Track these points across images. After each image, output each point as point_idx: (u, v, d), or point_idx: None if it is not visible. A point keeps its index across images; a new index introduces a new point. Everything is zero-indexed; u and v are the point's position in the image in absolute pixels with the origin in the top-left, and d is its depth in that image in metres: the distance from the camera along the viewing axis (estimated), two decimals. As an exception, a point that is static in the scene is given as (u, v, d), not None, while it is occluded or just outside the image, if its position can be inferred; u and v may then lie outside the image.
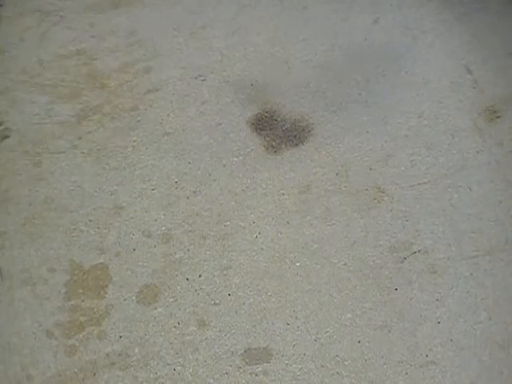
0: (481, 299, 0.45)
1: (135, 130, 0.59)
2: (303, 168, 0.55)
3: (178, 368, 0.42)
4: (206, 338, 0.44)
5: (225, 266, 0.48)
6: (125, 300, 0.46)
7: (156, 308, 0.46)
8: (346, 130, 0.58)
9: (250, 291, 0.46)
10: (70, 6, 0.75)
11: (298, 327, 0.44)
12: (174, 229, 0.50)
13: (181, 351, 0.43)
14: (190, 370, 0.42)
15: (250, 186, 0.54)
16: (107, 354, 0.44)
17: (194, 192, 0.54)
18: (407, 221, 0.50)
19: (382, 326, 0.44)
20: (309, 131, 0.58)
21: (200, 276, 0.47)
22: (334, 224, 0.50)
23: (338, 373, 0.41)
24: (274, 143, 0.57)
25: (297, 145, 0.57)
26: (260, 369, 0.42)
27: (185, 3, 0.74)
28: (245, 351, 0.43)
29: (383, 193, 0.52)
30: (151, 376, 0.42)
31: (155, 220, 0.51)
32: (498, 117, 0.57)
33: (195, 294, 0.46)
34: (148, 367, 0.43)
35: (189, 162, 0.56)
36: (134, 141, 0.59)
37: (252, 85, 0.63)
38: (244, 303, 0.45)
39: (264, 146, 0.57)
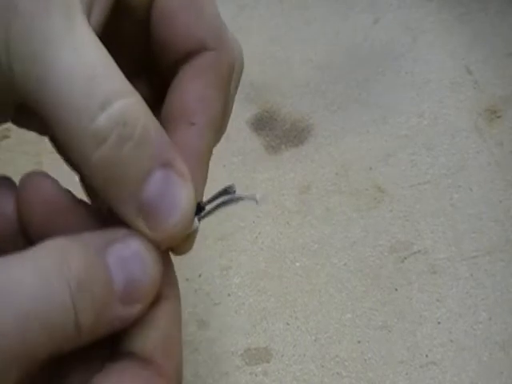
0: (481, 299, 0.45)
1: (135, 130, 0.59)
2: (303, 168, 0.55)
3: (178, 368, 0.42)
4: (206, 338, 0.43)
5: (225, 266, 0.48)
6: (125, 300, 0.46)
7: (156, 308, 0.46)
8: (346, 130, 0.58)
9: (250, 291, 0.46)
10: (70, 6, 0.75)
11: (297, 327, 0.44)
12: (173, 229, 0.50)
13: (181, 351, 0.43)
14: (190, 370, 0.42)
15: (250, 186, 0.54)
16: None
17: (194, 192, 0.54)
18: (407, 221, 0.50)
19: (382, 326, 0.44)
20: (309, 131, 0.58)
21: (200, 276, 0.47)
22: (333, 224, 0.50)
23: (337, 373, 0.41)
24: (273, 143, 0.57)
25: (297, 145, 0.57)
26: (260, 369, 0.42)
27: (185, 3, 0.74)
28: (245, 351, 0.43)
29: (383, 193, 0.52)
30: (151, 376, 0.42)
31: (155, 220, 0.51)
32: (499, 117, 0.57)
33: (195, 294, 0.46)
34: (148, 367, 0.43)
35: (189, 162, 0.56)
36: (134, 141, 0.58)
37: (252, 84, 0.63)
38: (244, 303, 0.45)
39: (264, 146, 0.57)
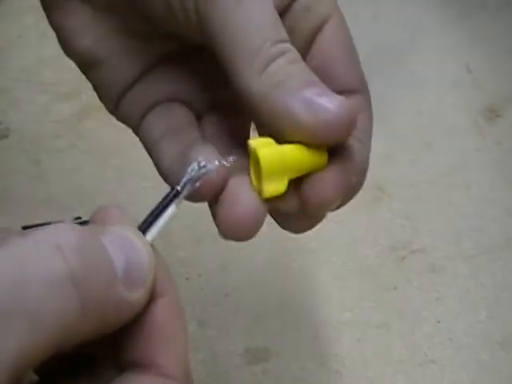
0: (480, 298, 0.45)
1: (135, 129, 0.59)
2: (303, 167, 0.55)
3: (178, 367, 0.42)
4: (206, 338, 0.44)
5: (224, 265, 0.48)
6: (124, 299, 0.46)
7: (155, 307, 0.46)
8: (346, 129, 0.58)
9: (250, 291, 0.46)
10: (69, 4, 0.75)
11: (296, 326, 0.44)
12: (174, 228, 0.50)
13: (180, 350, 0.43)
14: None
15: (250, 185, 0.54)
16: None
17: (194, 191, 0.53)
18: (407, 220, 0.50)
19: (382, 324, 0.44)
20: (308, 130, 0.58)
21: (200, 275, 0.47)
22: (333, 223, 0.50)
23: (336, 371, 0.41)
24: (273, 142, 0.57)
25: (296, 144, 0.57)
26: (259, 368, 0.42)
27: (184, 2, 0.73)
28: (244, 350, 0.43)
29: (383, 192, 0.52)
30: (151, 375, 0.42)
31: (155, 219, 0.51)
32: (498, 116, 0.57)
33: (195, 293, 0.46)
34: (148, 366, 0.43)
35: (188, 161, 0.56)
36: (134, 140, 0.58)
37: (251, 83, 0.63)
38: (243, 302, 0.45)
39: (263, 145, 0.57)
